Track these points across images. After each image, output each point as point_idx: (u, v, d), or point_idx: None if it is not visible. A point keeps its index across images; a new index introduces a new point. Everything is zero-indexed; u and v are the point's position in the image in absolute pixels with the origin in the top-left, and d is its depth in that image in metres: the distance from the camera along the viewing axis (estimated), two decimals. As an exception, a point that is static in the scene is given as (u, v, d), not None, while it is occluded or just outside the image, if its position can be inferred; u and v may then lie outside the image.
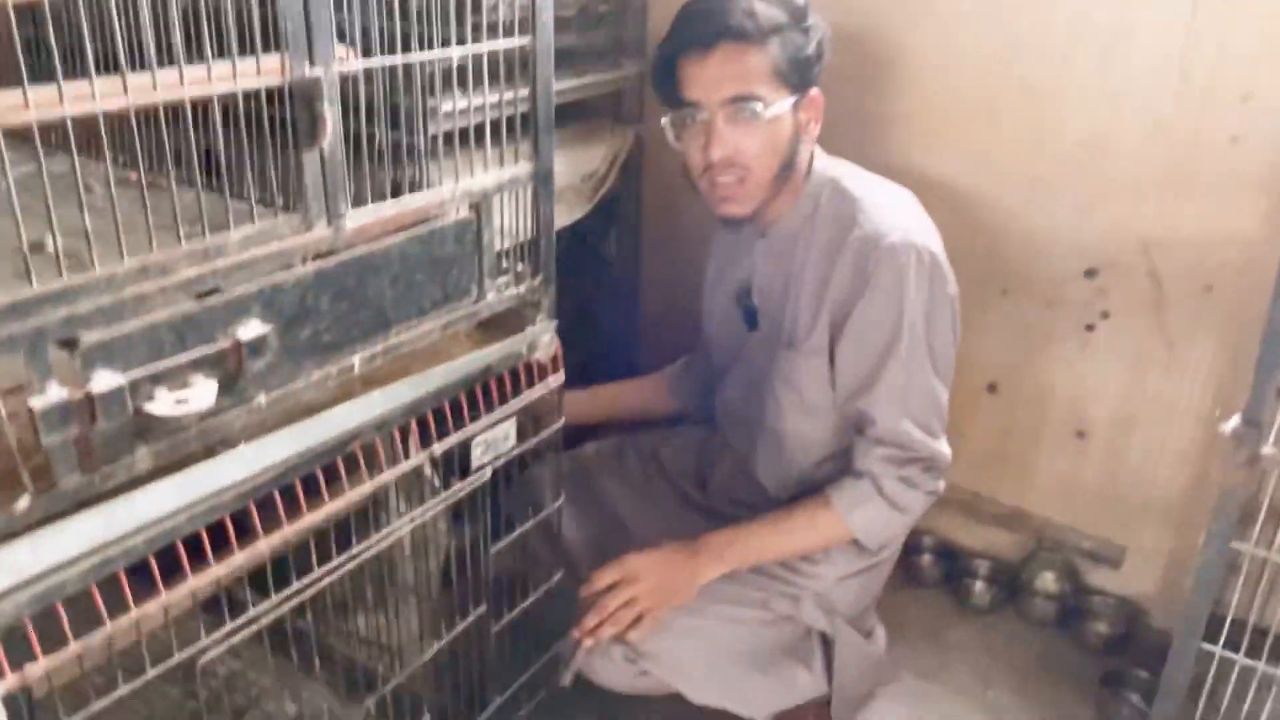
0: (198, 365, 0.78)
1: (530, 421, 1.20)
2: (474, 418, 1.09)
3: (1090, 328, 1.84)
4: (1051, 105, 1.73)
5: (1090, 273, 1.80)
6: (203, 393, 0.78)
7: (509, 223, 1.11)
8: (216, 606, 0.90)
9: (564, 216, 1.97)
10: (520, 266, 1.12)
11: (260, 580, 0.92)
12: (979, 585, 2.03)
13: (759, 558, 1.47)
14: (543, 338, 1.14)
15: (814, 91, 1.41)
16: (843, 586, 1.54)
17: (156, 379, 0.76)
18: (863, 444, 1.44)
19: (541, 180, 1.08)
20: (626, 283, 2.35)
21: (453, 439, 1.06)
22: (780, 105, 1.35)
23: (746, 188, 1.40)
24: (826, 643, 1.55)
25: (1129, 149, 1.70)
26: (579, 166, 2.00)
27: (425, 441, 1.03)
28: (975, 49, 1.77)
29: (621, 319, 2.37)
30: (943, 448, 1.46)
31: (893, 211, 1.42)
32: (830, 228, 1.43)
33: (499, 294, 1.07)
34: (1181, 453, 1.81)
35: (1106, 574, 1.97)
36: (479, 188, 1.01)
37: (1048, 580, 2.00)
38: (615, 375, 2.37)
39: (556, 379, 1.19)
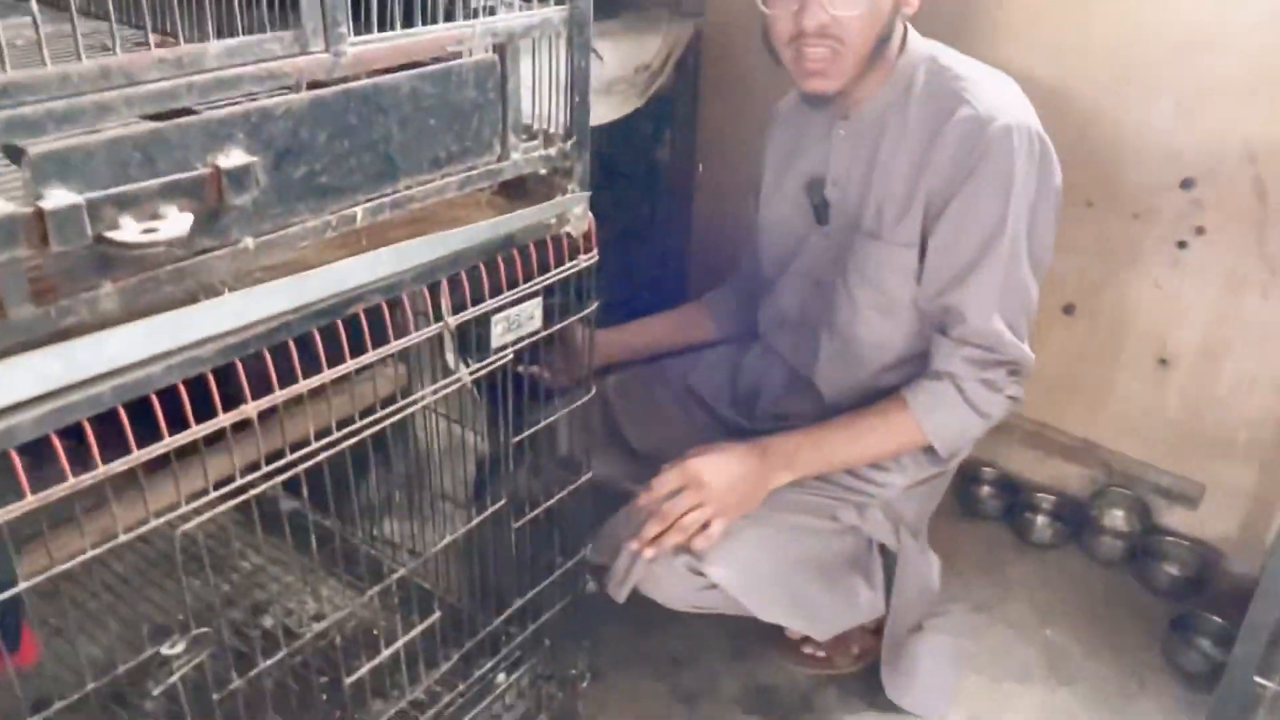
0: (170, 193, 0.69)
1: (559, 305, 1.10)
2: (495, 292, 0.99)
3: (1182, 245, 1.69)
4: (1154, -9, 1.56)
5: (1186, 183, 1.65)
6: (175, 224, 0.69)
7: (540, 78, 1.00)
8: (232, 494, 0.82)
9: (614, 110, 1.86)
10: (551, 128, 1.01)
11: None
12: (1041, 520, 1.91)
13: (829, 464, 1.37)
14: (574, 209, 1.04)
15: None
16: (910, 496, 1.46)
17: (121, 203, 0.67)
18: (945, 344, 1.33)
19: (577, 28, 0.97)
20: (679, 189, 2.23)
21: (470, 312, 0.96)
22: None
23: (839, 62, 1.27)
24: (885, 559, 1.45)
25: (1237, 43, 1.54)
26: (632, 58, 1.88)
27: (439, 313, 0.93)
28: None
29: (672, 227, 2.26)
30: (1029, 350, 1.34)
31: (1001, 93, 1.30)
32: (929, 107, 1.31)
33: (525, 156, 0.96)
34: (1275, 385, 1.66)
35: (1181, 514, 1.84)
36: (504, 28, 0.89)
37: (1116, 518, 1.88)
38: (662, 287, 2.28)
39: (589, 258, 1.09)
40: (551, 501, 1.19)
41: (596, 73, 1.80)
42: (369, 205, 0.84)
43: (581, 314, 1.12)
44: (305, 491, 0.87)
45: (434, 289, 0.93)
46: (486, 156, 0.93)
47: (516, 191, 1.05)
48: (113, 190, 0.67)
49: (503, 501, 1.12)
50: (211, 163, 0.72)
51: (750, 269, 1.66)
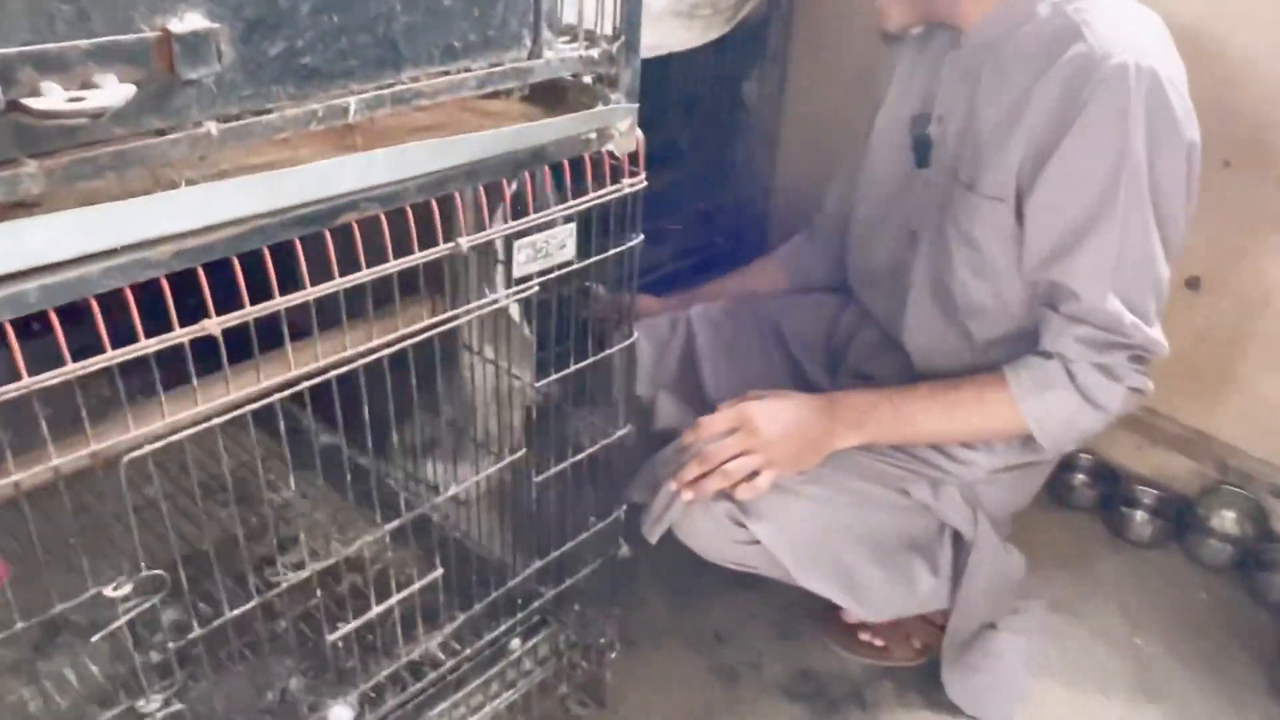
0: (106, 56, 0.58)
1: (599, 235, 0.97)
2: (520, 213, 0.86)
3: (1335, 217, 1.47)
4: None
5: (1346, 147, 1.42)
6: (109, 94, 0.57)
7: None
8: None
9: (696, 36, 1.70)
10: (596, 28, 0.87)
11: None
12: (1140, 515, 1.72)
13: (907, 434, 1.22)
14: (618, 124, 0.90)
15: None
16: (995, 482, 1.29)
17: (42, 64, 0.56)
18: (1055, 320, 1.15)
19: (630, -95, 0.83)
20: (765, 130, 2.06)
21: (488, 234, 0.83)
22: None
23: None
24: (958, 547, 1.30)
25: None
26: (719, -22, 1.71)
27: (451, 231, 0.81)
28: None
29: (755, 171, 2.10)
30: (1157, 334, 1.15)
31: (1133, 30, 1.10)
32: (1043, 39, 1.12)
33: (562, 56, 0.83)
34: None
35: (1304, 522, 1.63)
36: (540, -104, 0.76)
37: (1227, 520, 1.68)
38: (741, 235, 2.12)
39: (635, 184, 0.95)
40: (579, 457, 1.06)
41: (679, -9, 1.66)
42: (364, 96, 0.72)
43: (623, 247, 0.98)
44: (341, 423, 0.77)
45: (447, 205, 0.80)
46: (514, 52, 0.80)
47: (553, 100, 0.91)
48: (32, 48, 0.56)
49: (522, 452, 1.00)
50: (161, 26, 0.60)
51: (837, 215, 1.50)
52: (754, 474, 1.14)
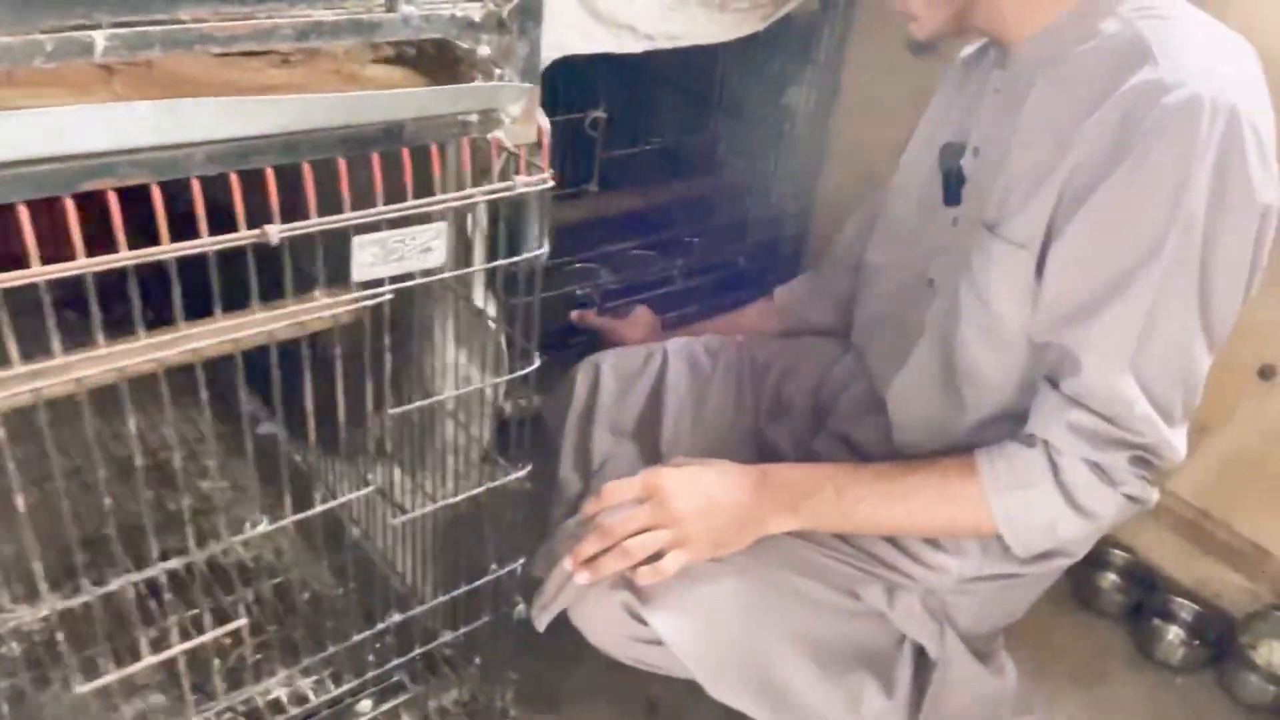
0: None
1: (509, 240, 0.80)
2: (363, 204, 0.70)
3: None
4: None
5: None
6: None
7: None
8: None
9: (724, 30, 1.52)
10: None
11: None
12: (1174, 632, 1.48)
13: (849, 523, 1.01)
14: (509, 106, 0.73)
15: None
16: (969, 592, 1.07)
17: None
18: (1051, 399, 0.93)
19: None
20: (810, 145, 1.86)
21: (309, 225, 0.67)
22: None
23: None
24: (921, 663, 1.08)
25: None
26: (759, -32, 1.53)
27: (259, 214, 0.65)
28: None
29: (797, 185, 1.90)
30: (1176, 439, 0.92)
31: (1219, 57, 0.87)
32: (1106, 60, 0.90)
33: (423, 13, 0.66)
34: None
35: (1370, 669, 1.37)
36: None
37: (1275, 651, 1.43)
38: (774, 254, 1.94)
39: (535, 182, 0.78)
40: (449, 501, 0.90)
41: (708, -22, 1.48)
42: (120, 32, 0.57)
43: (515, 259, 0.81)
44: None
45: (251, 178, 0.65)
46: (355, 1, 0.64)
47: (446, 71, 0.75)
48: None
49: (371, 489, 0.84)
50: None
51: (847, 259, 1.31)
52: (659, 554, 0.94)
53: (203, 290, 0.68)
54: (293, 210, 0.67)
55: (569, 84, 1.54)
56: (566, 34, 1.33)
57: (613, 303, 1.67)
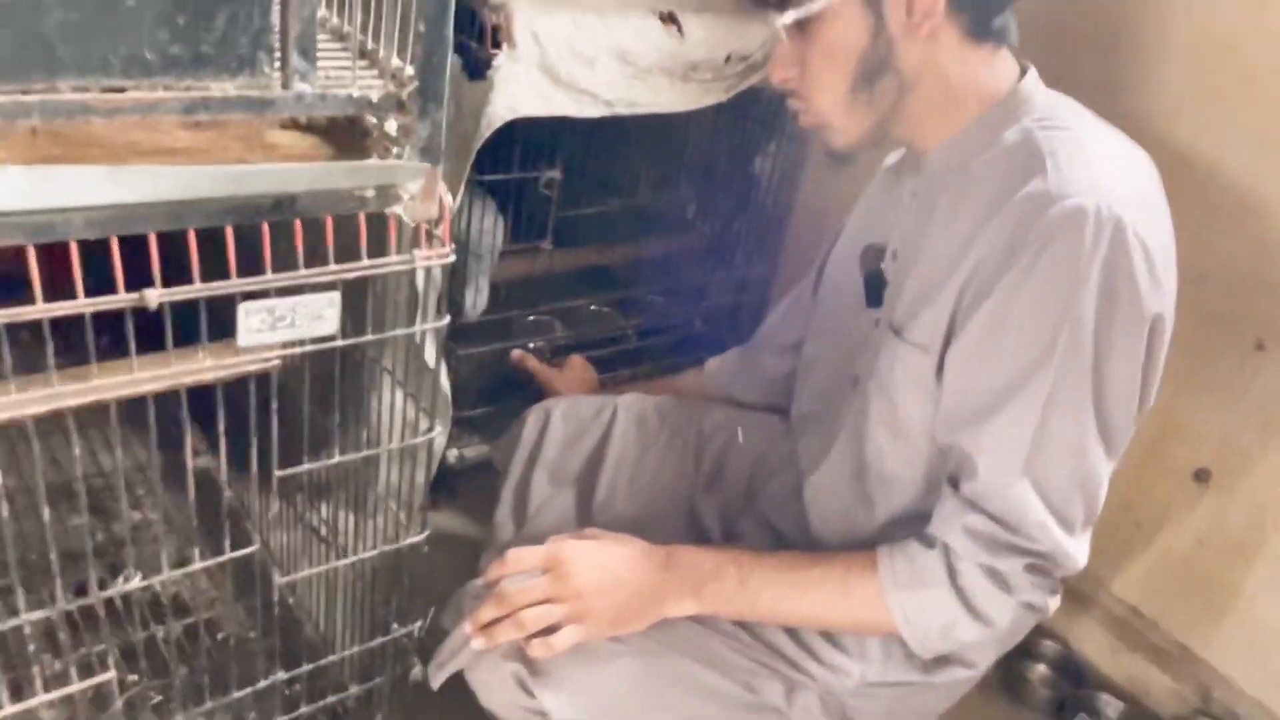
0: None
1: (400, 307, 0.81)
2: (252, 270, 0.71)
3: (1378, 431, 1.22)
4: None
5: (1402, 351, 1.18)
6: None
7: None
8: None
9: (687, 100, 1.54)
10: (386, 60, 0.71)
11: None
12: (1100, 732, 1.47)
13: (750, 610, 1.00)
14: (408, 183, 0.74)
15: None
16: (872, 696, 1.05)
17: None
18: (950, 501, 0.93)
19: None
20: (774, 214, 1.88)
21: (188, 291, 0.68)
22: None
23: (814, 117, 0.99)
24: None
25: None
26: (725, 43, 1.54)
27: (140, 278, 0.66)
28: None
29: (761, 250, 1.92)
30: (1074, 547, 0.92)
31: (1110, 168, 0.89)
32: (1004, 170, 0.92)
33: (318, 92, 0.67)
34: None
35: (1291, 784, 1.36)
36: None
37: (1200, 759, 1.42)
38: (736, 317, 1.95)
39: (434, 257, 0.78)
40: (340, 562, 0.90)
41: (673, 50, 1.49)
42: (-3, 100, 0.58)
43: (412, 330, 0.82)
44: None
45: (134, 244, 0.65)
46: (244, 77, 0.65)
47: (354, 145, 0.76)
48: None
49: (254, 548, 0.84)
50: None
51: (775, 336, 1.33)
52: (557, 628, 0.94)
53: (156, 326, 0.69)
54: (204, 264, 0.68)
55: (535, 137, 1.55)
56: (524, 96, 1.35)
57: (562, 359, 1.68)
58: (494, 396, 1.67)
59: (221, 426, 0.77)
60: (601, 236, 1.81)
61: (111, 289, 0.65)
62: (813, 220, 1.84)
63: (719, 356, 1.42)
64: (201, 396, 0.77)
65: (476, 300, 1.59)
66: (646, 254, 1.89)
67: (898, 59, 0.93)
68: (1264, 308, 1.26)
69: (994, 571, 0.91)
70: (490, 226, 1.56)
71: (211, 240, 0.70)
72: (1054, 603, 0.95)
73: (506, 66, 1.31)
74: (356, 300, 0.78)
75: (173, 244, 0.68)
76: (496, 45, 1.30)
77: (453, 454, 1.63)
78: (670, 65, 1.48)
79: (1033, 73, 0.98)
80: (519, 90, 1.33)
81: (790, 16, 0.93)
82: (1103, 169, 0.88)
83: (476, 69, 1.31)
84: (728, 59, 1.55)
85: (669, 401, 1.35)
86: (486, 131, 1.32)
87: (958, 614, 0.92)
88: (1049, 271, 0.85)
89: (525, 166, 1.51)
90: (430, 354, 1.28)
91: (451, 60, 1.35)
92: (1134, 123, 1.32)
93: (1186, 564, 1.42)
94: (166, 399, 0.75)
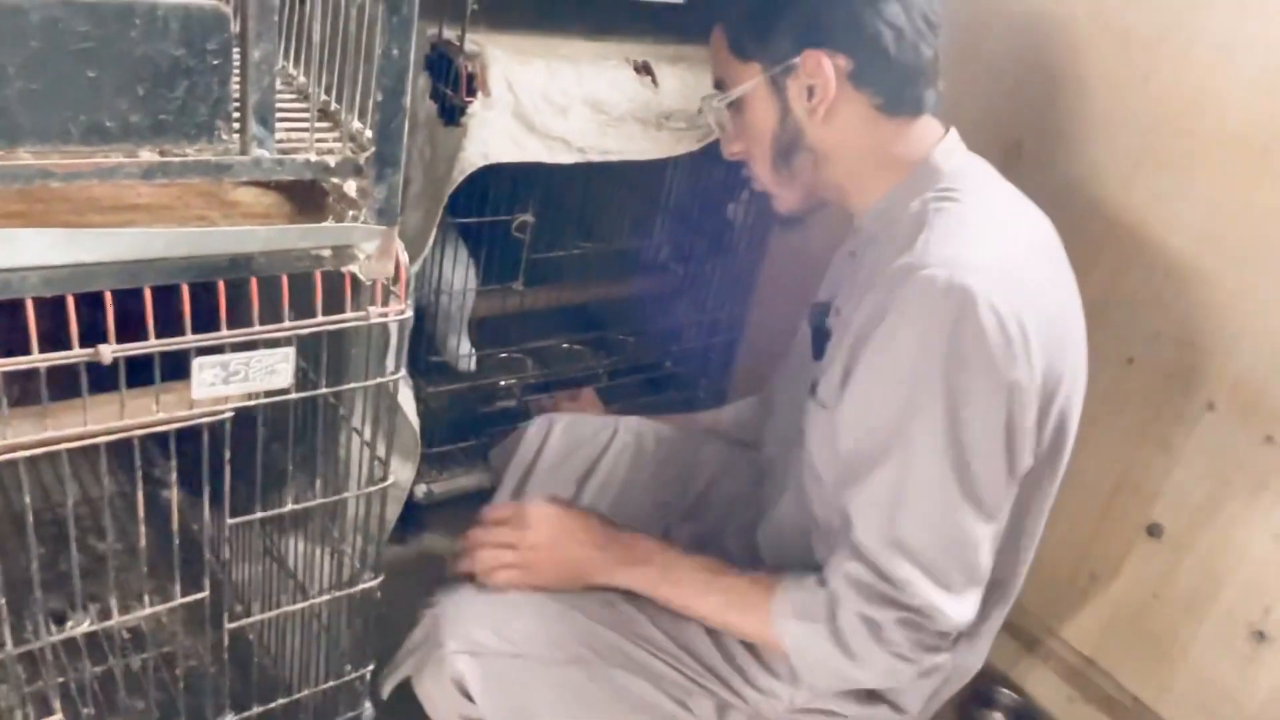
0: None
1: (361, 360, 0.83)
2: (203, 329, 0.73)
3: (1323, 494, 1.24)
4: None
5: (1346, 416, 1.21)
6: None
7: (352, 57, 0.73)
8: None
9: (661, 148, 1.57)
10: (347, 122, 0.74)
11: None
12: (1052, 781, 1.48)
13: (664, 594, 1.07)
14: (364, 244, 0.76)
15: (804, 55, 1.00)
16: None
17: None
18: (840, 550, 0.98)
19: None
20: (747, 259, 1.90)
21: (144, 346, 0.70)
22: (745, 85, 1.06)
23: (759, 186, 1.14)
24: None
25: None
26: (698, 93, 1.56)
27: (97, 334, 0.68)
28: (1260, 53, 1.20)
29: (733, 295, 1.94)
30: (950, 604, 0.94)
31: (972, 241, 0.93)
32: (896, 240, 0.98)
33: (276, 157, 0.70)
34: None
35: (1238, 839, 1.37)
36: (245, -31, 0.63)
37: (1151, 811, 1.43)
38: (706, 360, 1.97)
39: (390, 313, 0.81)
40: (294, 606, 0.91)
41: (647, 100, 1.52)
42: (-43, 166, 0.60)
43: (368, 383, 0.84)
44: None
45: (92, 301, 0.67)
46: (201, 142, 0.67)
47: (315, 204, 0.78)
48: None
49: (203, 594, 0.85)
50: None
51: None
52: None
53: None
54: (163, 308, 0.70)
55: (510, 180, 1.58)
56: (497, 142, 1.37)
57: (532, 396, 1.70)
58: (464, 433, 1.69)
59: (174, 471, 0.79)
60: (575, 277, 1.84)
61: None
62: (784, 266, 1.87)
63: (737, 402, 1.47)
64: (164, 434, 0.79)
65: (459, 347, 1.62)
66: (620, 294, 1.92)
67: (807, 138, 1.04)
68: (1214, 368, 1.29)
69: (869, 620, 0.94)
70: (463, 276, 1.59)
71: (171, 288, 0.72)
72: (938, 659, 0.97)
73: (481, 114, 1.33)
74: (316, 350, 0.80)
75: (132, 293, 0.70)
76: (472, 93, 1.32)
77: (421, 490, 1.64)
78: (644, 114, 1.51)
79: (950, 137, 1.04)
80: (492, 137, 1.35)
81: (716, 101, 1.09)
82: (968, 241, 0.93)
83: (451, 115, 1.34)
84: (701, 109, 1.58)
85: (670, 430, 1.39)
86: (459, 177, 1.34)
87: (833, 652, 0.96)
88: (902, 339, 0.91)
89: (499, 209, 1.53)
90: (406, 402, 1.30)
91: (427, 105, 1.39)
92: (1092, 187, 1.37)
93: (1140, 617, 1.43)
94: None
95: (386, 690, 1.06)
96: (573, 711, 1.01)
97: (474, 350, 1.65)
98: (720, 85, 1.12)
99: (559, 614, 1.05)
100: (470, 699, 1.00)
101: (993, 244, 0.94)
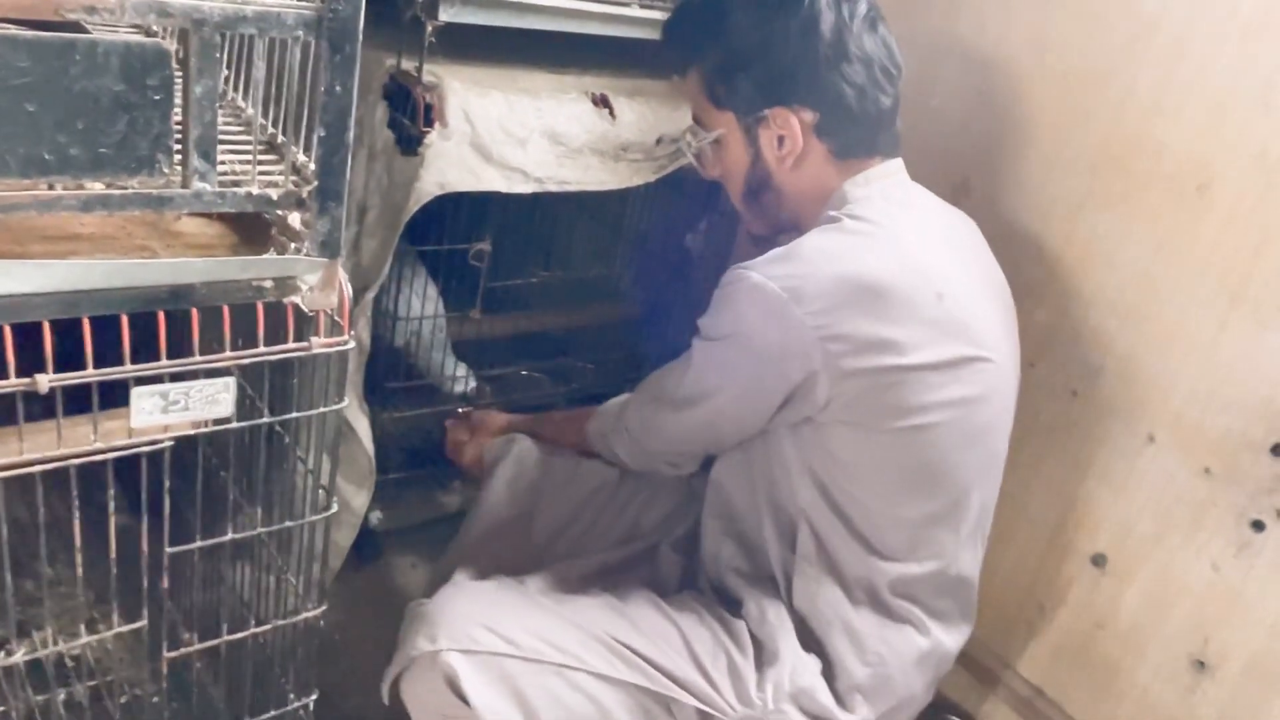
0: None
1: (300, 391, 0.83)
2: (149, 356, 0.73)
3: (1258, 526, 1.27)
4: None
5: (1280, 450, 1.24)
6: None
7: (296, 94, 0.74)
8: None
9: (616, 179, 1.59)
10: (291, 155, 0.75)
11: None
12: (1000, 810, 1.49)
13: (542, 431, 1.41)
14: (306, 276, 0.77)
15: (777, 110, 1.12)
16: None
17: None
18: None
19: (334, 38, 0.70)
20: (706, 287, 1.91)
21: (80, 376, 0.70)
22: (719, 130, 1.18)
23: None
24: None
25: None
26: (656, 126, 1.60)
27: (33, 363, 0.68)
28: (1196, 96, 1.23)
29: (691, 323, 1.94)
30: (639, 426, 1.27)
31: (800, 255, 1.05)
32: None
33: (217, 190, 0.70)
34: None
35: None
36: (186, 7, 0.64)
37: (1097, 840, 1.45)
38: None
39: (333, 344, 0.81)
40: (235, 636, 0.91)
41: (605, 131, 1.54)
42: (-109, 196, 0.60)
43: (310, 412, 0.84)
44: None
45: (27, 331, 0.68)
46: (143, 176, 0.68)
47: (259, 234, 0.79)
48: None
49: (141, 624, 0.85)
50: None
51: None
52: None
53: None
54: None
55: (469, 208, 1.59)
56: (454, 172, 1.38)
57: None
58: (419, 460, 1.69)
59: (111, 501, 0.79)
60: (535, 304, 1.85)
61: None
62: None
63: None
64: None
65: (451, 369, 1.64)
66: (579, 322, 1.93)
67: (775, 180, 1.15)
68: (1155, 401, 1.32)
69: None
70: (434, 299, 1.60)
71: (113, 316, 0.72)
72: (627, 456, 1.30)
73: (438, 144, 1.34)
74: (262, 379, 0.80)
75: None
76: (429, 123, 1.33)
77: (375, 516, 1.64)
78: (601, 146, 1.53)
79: (876, 169, 1.13)
80: (449, 166, 1.36)
81: (695, 141, 1.21)
82: (793, 255, 1.05)
83: (409, 144, 1.35)
84: (658, 141, 1.60)
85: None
86: (416, 205, 1.35)
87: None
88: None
89: (457, 237, 1.54)
90: (361, 428, 1.30)
91: (385, 134, 1.40)
92: (1037, 224, 1.40)
93: (1086, 647, 1.45)
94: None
95: (385, 694, 1.09)
96: (568, 712, 1.03)
97: (469, 370, 1.67)
98: (699, 122, 1.22)
99: (549, 612, 1.09)
100: (462, 698, 1.01)
101: (820, 260, 1.03)
